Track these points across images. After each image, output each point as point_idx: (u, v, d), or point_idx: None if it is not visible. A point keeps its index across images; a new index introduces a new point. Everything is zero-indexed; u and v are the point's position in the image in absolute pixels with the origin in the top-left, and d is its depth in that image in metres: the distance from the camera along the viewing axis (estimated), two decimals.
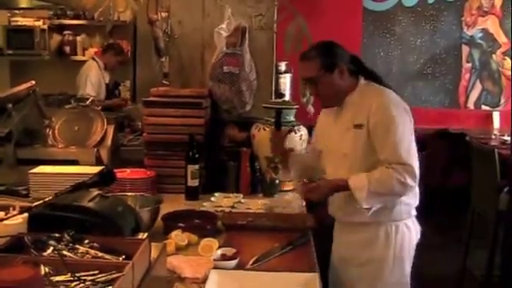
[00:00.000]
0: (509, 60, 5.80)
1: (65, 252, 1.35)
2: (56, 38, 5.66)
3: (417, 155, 2.08)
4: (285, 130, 2.69)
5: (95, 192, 1.73)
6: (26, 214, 1.60)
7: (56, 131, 2.81)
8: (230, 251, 1.86)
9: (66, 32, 5.70)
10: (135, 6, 3.38)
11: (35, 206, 1.56)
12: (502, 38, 5.82)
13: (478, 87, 5.92)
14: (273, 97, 3.29)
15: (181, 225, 2.12)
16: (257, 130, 2.90)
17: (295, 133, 2.85)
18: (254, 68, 3.21)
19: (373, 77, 2.23)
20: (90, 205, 1.66)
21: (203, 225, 2.21)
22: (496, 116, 5.80)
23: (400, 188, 2.04)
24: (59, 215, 1.58)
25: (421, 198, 2.22)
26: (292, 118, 2.91)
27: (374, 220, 2.13)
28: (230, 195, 2.68)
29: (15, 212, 1.66)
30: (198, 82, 3.28)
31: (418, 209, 2.23)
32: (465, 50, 5.86)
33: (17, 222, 1.59)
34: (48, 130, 2.80)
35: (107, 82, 5.19)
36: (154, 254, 1.46)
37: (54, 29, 5.60)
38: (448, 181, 5.36)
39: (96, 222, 1.60)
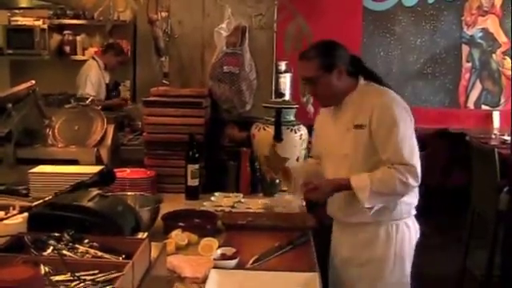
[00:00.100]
0: (509, 60, 5.80)
1: (65, 251, 1.35)
2: (56, 38, 5.66)
3: (418, 155, 2.08)
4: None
5: (95, 192, 1.73)
6: (25, 214, 1.60)
7: (56, 131, 2.81)
8: (229, 251, 1.85)
9: (65, 32, 5.69)
10: (135, 6, 3.38)
11: (35, 205, 1.56)
12: (502, 38, 5.82)
13: (478, 87, 5.91)
14: (273, 96, 3.29)
15: (181, 224, 2.12)
16: (257, 130, 2.89)
17: (295, 132, 2.85)
18: (253, 68, 3.21)
19: (373, 77, 2.22)
20: (90, 204, 1.66)
21: (203, 224, 2.21)
22: (496, 116, 5.80)
23: (402, 188, 2.04)
24: (59, 215, 1.58)
25: (421, 197, 2.21)
26: (292, 118, 2.91)
27: (375, 220, 2.13)
28: (230, 195, 2.67)
29: (15, 211, 1.66)
30: (197, 81, 3.29)
31: (417, 209, 2.23)
32: (465, 49, 5.86)
33: (17, 221, 1.59)
34: (48, 129, 2.80)
35: (107, 81, 5.18)
36: (153, 253, 1.46)
37: (53, 28, 5.59)
38: (448, 181, 5.35)
39: (96, 222, 1.60)
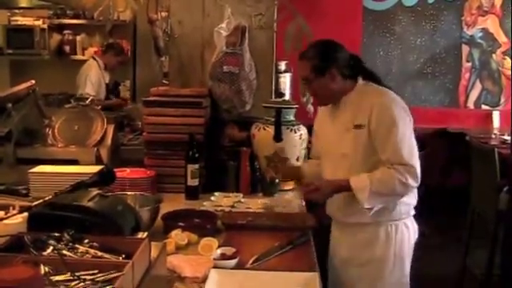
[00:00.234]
0: (509, 59, 5.80)
1: (64, 251, 1.35)
2: (56, 38, 5.66)
3: (418, 155, 2.08)
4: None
5: (95, 191, 1.73)
6: (25, 214, 1.60)
7: (56, 131, 2.81)
8: (229, 250, 1.85)
9: (65, 31, 5.70)
10: (135, 6, 3.37)
11: (35, 205, 1.56)
12: (501, 38, 5.82)
13: (478, 87, 5.91)
14: (273, 96, 3.29)
15: (181, 224, 2.12)
16: (257, 130, 2.89)
17: (295, 132, 2.85)
18: (253, 67, 3.20)
19: (372, 77, 2.22)
20: (90, 204, 1.66)
21: (203, 224, 2.21)
22: (496, 115, 5.80)
23: (401, 188, 2.04)
24: (59, 215, 1.58)
25: (420, 197, 2.21)
26: (292, 118, 2.91)
27: (374, 220, 2.13)
28: (230, 195, 2.67)
29: (15, 211, 1.66)
30: (197, 81, 3.28)
31: (417, 209, 2.23)
32: (465, 49, 5.86)
33: (16, 221, 1.59)
34: (48, 129, 2.80)
35: (107, 81, 5.19)
36: (153, 253, 1.46)
37: (53, 28, 5.60)
38: (448, 180, 5.36)
39: (96, 222, 1.60)
